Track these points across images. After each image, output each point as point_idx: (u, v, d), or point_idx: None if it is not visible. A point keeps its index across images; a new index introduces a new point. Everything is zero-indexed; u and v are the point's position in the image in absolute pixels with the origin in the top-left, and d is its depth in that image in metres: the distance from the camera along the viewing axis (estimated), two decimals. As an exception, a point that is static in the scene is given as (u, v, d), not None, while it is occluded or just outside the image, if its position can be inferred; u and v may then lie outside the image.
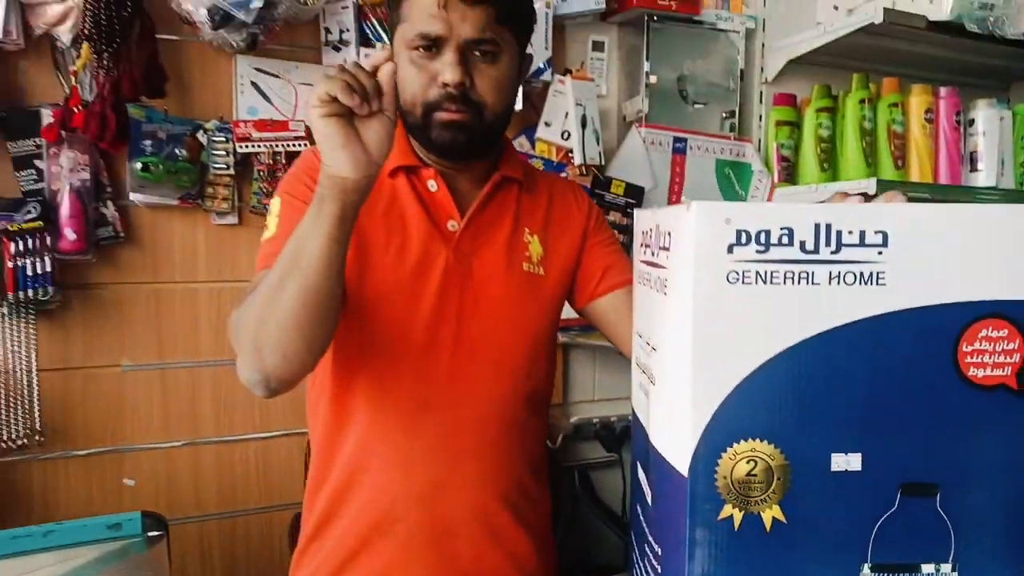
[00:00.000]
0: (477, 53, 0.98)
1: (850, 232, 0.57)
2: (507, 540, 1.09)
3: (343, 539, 1.07)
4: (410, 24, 0.98)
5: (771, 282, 0.57)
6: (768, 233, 0.57)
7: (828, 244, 0.57)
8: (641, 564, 0.72)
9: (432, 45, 0.97)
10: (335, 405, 1.07)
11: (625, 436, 2.04)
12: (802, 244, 0.57)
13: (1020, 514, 0.60)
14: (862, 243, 0.58)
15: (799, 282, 0.58)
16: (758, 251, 0.57)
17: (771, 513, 0.59)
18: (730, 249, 0.57)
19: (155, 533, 1.22)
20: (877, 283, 0.58)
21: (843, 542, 0.60)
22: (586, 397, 2.14)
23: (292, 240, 0.86)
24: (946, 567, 0.61)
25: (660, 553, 0.65)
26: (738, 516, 0.59)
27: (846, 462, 0.59)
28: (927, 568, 0.61)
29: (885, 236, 0.58)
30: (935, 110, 2.12)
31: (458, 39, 0.96)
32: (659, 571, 0.66)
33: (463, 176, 1.08)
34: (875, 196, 0.77)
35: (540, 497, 1.17)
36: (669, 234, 0.63)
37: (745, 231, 0.57)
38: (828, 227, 0.57)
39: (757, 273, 0.57)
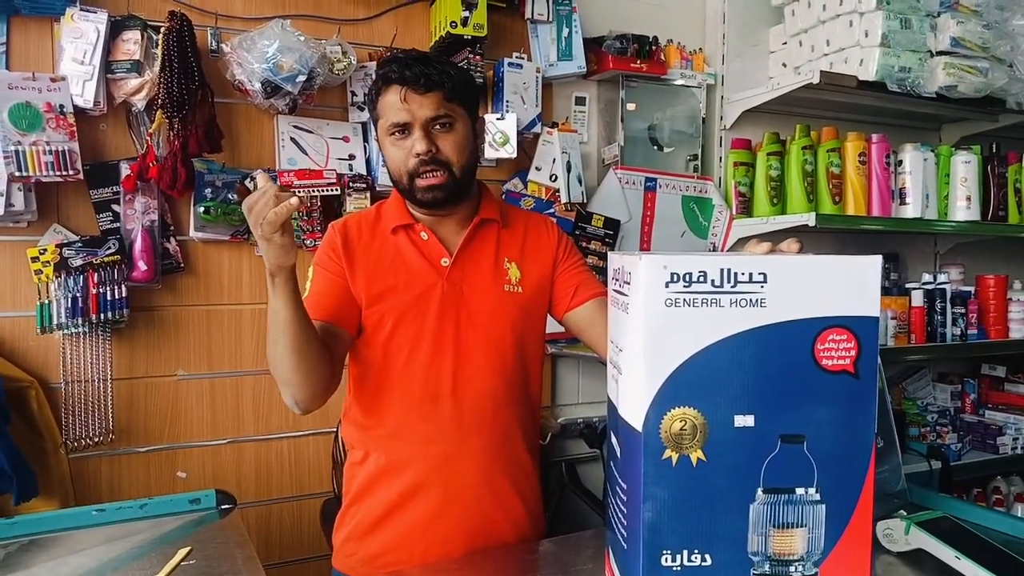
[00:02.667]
0: (437, 127, 1.33)
1: (743, 273, 0.89)
2: (507, 504, 1.41)
3: (379, 501, 1.38)
4: (384, 118, 1.34)
5: (693, 306, 0.89)
6: (691, 274, 0.89)
7: (729, 281, 0.89)
8: (613, 500, 1.03)
9: (403, 129, 1.32)
10: (370, 404, 1.39)
11: (606, 435, 2.34)
12: (713, 281, 0.89)
13: (854, 454, 0.92)
14: (750, 280, 0.89)
15: (711, 305, 0.89)
16: (684, 286, 0.89)
17: (696, 455, 0.91)
18: (666, 285, 0.89)
19: (226, 506, 1.51)
20: (761, 306, 0.89)
21: (744, 473, 0.90)
22: (571, 400, 2.46)
23: (269, 314, 1.21)
24: (812, 490, 0.92)
25: (626, 487, 0.97)
26: (675, 456, 0.90)
27: (744, 421, 0.90)
28: (799, 491, 0.92)
29: (765, 275, 0.89)
30: (868, 153, 2.48)
31: (420, 120, 1.31)
32: (625, 500, 0.97)
33: (448, 222, 1.42)
34: (786, 236, 1.09)
35: (532, 472, 1.48)
36: (630, 273, 0.95)
37: (676, 273, 0.89)
38: (729, 270, 0.89)
39: (684, 300, 0.89)
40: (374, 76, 1.37)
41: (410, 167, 1.32)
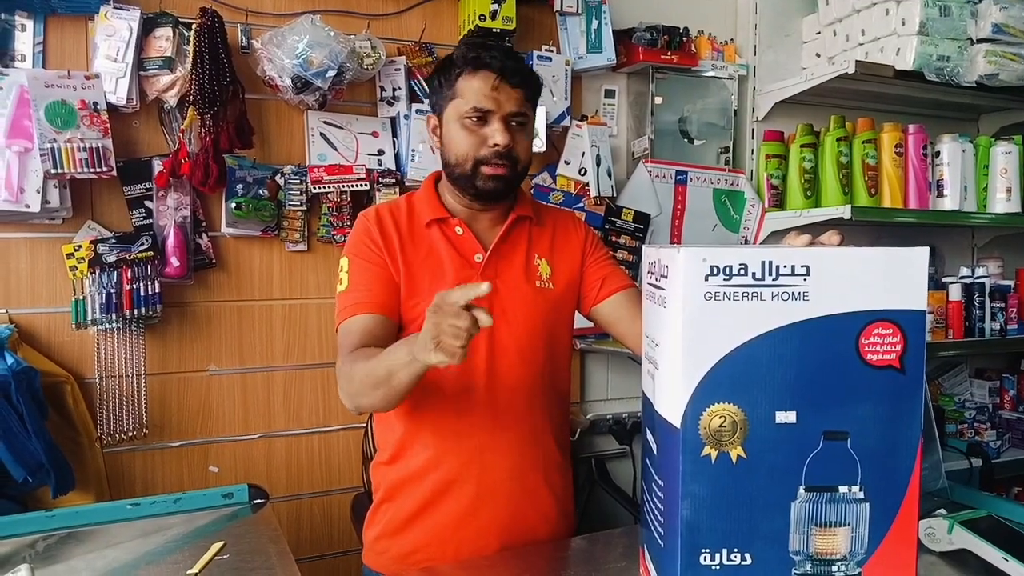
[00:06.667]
0: (514, 123, 1.31)
1: (785, 266, 0.87)
2: (538, 499, 1.40)
3: (412, 498, 1.38)
4: (464, 100, 1.31)
5: (733, 299, 0.87)
6: (731, 267, 0.87)
7: (771, 274, 0.87)
8: (649, 498, 1.02)
9: (483, 116, 1.30)
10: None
11: (635, 431, 2.32)
12: (753, 274, 0.87)
13: (899, 451, 0.90)
14: (793, 273, 0.87)
15: (752, 299, 0.87)
16: (724, 279, 0.87)
17: (736, 452, 0.89)
18: (706, 278, 0.87)
19: (259, 501, 1.52)
20: (803, 299, 0.87)
21: (786, 471, 0.89)
22: (600, 396, 2.44)
23: (386, 363, 1.16)
24: (855, 488, 0.90)
25: (663, 484, 0.95)
26: (714, 454, 0.89)
27: (786, 417, 0.88)
28: (843, 489, 0.90)
29: (808, 268, 0.87)
30: (904, 144, 2.42)
31: (504, 112, 1.30)
32: (662, 497, 0.95)
33: (482, 218, 1.41)
34: (820, 229, 1.06)
35: (565, 469, 1.47)
36: (667, 267, 0.93)
37: (716, 266, 0.87)
38: (771, 263, 0.87)
39: (724, 294, 0.87)
40: (455, 55, 1.33)
41: (481, 155, 1.30)
